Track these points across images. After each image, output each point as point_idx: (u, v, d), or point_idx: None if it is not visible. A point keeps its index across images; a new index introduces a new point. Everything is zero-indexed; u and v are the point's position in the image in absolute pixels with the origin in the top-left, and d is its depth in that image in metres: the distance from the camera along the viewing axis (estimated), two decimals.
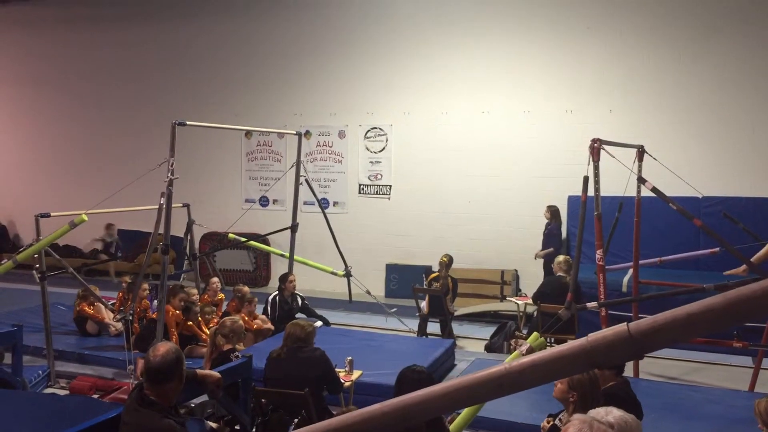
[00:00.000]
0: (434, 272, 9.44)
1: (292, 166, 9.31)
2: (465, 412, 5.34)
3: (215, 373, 4.08)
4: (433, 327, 9.34)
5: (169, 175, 6.58)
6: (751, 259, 5.96)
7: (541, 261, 10.54)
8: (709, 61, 10.45)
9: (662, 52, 10.70)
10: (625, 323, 0.92)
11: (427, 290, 9.28)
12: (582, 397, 3.72)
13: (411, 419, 1.07)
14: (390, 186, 12.51)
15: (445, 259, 9.32)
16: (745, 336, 6.05)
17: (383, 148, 12.53)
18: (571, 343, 0.95)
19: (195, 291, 8.36)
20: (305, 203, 11.43)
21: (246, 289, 8.68)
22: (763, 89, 10.20)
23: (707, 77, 10.48)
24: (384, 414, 1.08)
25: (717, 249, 7.14)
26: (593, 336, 0.93)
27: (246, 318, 8.13)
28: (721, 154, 10.41)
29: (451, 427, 4.80)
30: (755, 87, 10.22)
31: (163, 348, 3.30)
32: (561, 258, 8.50)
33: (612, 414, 2.90)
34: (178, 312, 7.63)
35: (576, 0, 11.13)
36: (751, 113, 10.27)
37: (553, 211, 10.59)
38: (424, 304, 9.30)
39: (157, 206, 6.87)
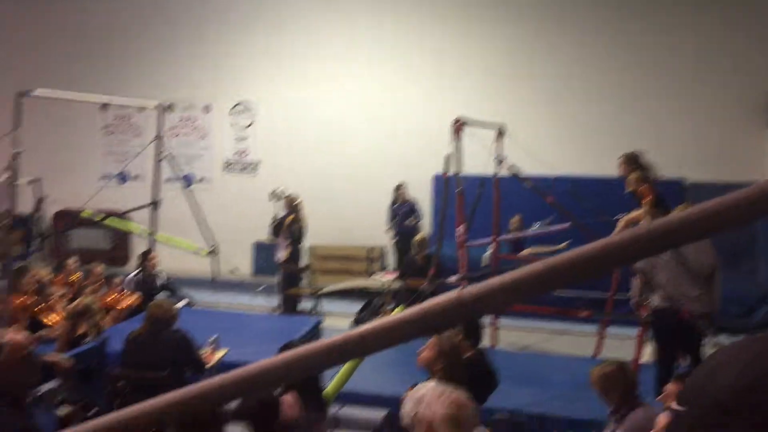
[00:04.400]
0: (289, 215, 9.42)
1: (153, 140, 8.94)
2: (335, 381, 5.41)
3: (65, 358, 3.88)
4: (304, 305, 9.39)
5: (14, 149, 6.13)
6: None
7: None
8: (565, 48, 11.06)
9: (520, 37, 11.20)
10: (459, 289, 0.96)
11: (293, 268, 9.31)
12: (448, 366, 3.89)
13: (250, 390, 1.07)
14: (257, 162, 12.30)
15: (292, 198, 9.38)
16: (591, 306, 6.50)
17: (250, 124, 12.28)
18: (410, 310, 0.97)
19: (45, 272, 7.85)
20: (168, 180, 11.01)
21: (99, 268, 8.28)
22: (611, 79, 10.95)
23: (563, 64, 11.10)
24: (222, 386, 1.07)
25: (567, 225, 7.58)
26: (428, 303, 0.96)
27: (110, 298, 7.78)
28: (574, 137, 11.10)
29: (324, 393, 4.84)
30: (605, 76, 10.96)
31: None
32: (418, 237, 8.87)
33: (456, 392, 2.98)
34: (23, 298, 7.11)
35: None
36: (600, 100, 11.01)
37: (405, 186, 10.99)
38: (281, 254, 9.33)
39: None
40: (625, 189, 6.19)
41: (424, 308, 0.93)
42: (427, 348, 4.01)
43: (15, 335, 3.18)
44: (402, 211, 10.91)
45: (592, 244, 0.89)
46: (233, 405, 3.57)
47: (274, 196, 9.63)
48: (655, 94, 10.88)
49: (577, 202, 7.60)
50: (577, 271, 0.86)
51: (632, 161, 6.20)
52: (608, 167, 10.32)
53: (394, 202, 11.01)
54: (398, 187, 10.99)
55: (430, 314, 0.92)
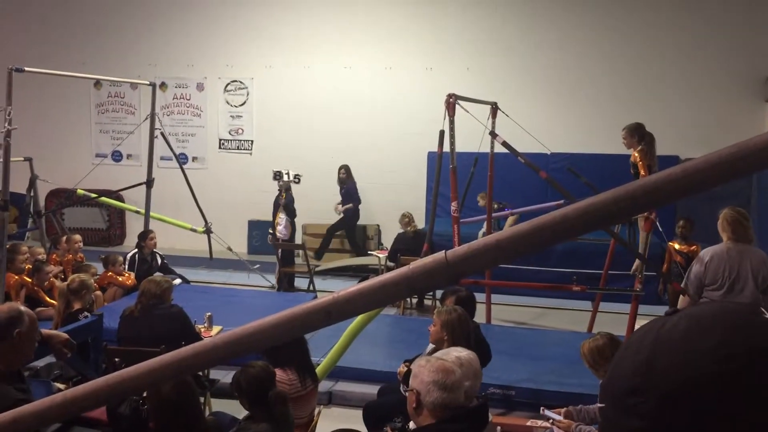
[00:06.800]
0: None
1: (146, 118, 8.90)
2: (328, 357, 5.46)
3: (62, 333, 3.88)
4: (300, 282, 9.42)
5: (6, 125, 6.09)
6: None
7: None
8: (558, 27, 11.02)
9: (516, 15, 11.14)
10: (444, 251, 0.97)
11: (290, 245, 9.31)
12: (453, 336, 3.97)
13: (245, 350, 1.09)
14: (252, 141, 12.27)
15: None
16: (584, 281, 6.53)
17: (244, 102, 12.23)
18: (395, 272, 0.99)
19: (41, 250, 7.86)
20: (162, 158, 10.99)
21: (77, 236, 8.30)
22: (607, 56, 10.93)
23: (557, 42, 11.06)
24: (215, 346, 1.08)
25: (561, 201, 7.59)
26: (414, 264, 0.98)
27: (108, 275, 7.82)
28: (568, 114, 11.09)
29: (318, 369, 4.89)
30: (600, 53, 10.94)
31: None
32: (404, 213, 9.06)
33: (456, 350, 3.12)
34: (18, 276, 7.09)
35: None
36: (595, 77, 11.00)
37: (347, 170, 11.04)
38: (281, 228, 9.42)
39: None
40: (630, 161, 6.07)
41: (410, 269, 0.94)
42: (433, 323, 4.12)
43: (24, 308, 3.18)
44: (342, 194, 11.05)
45: (572, 205, 0.90)
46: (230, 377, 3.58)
47: (281, 177, 9.62)
48: (651, 71, 10.86)
49: (573, 178, 7.60)
50: (560, 229, 0.87)
51: (635, 132, 6.06)
52: (603, 145, 10.39)
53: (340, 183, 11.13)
54: (339, 170, 11.07)
55: (416, 275, 0.93)
